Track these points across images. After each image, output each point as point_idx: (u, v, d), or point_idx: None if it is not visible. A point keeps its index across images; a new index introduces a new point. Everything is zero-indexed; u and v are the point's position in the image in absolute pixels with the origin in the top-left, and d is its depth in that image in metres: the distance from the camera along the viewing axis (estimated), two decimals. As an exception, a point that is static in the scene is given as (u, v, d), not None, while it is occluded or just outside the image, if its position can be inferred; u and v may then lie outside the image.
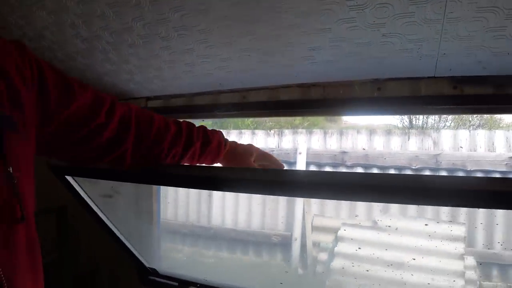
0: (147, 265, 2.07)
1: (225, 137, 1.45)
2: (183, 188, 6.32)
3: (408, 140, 5.19)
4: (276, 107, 1.40)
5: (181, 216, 6.38)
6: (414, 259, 4.84)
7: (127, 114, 1.18)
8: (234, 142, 1.45)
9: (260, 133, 5.80)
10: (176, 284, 2.01)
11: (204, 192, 6.12)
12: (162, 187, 2.30)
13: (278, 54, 1.21)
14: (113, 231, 1.88)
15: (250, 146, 1.44)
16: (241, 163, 1.38)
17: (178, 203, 6.38)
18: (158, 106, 1.76)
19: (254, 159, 1.41)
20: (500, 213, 4.83)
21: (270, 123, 7.45)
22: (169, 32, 1.22)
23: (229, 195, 5.95)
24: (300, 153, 5.40)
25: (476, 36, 1.04)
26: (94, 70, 1.54)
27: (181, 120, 1.36)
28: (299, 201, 5.41)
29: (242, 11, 1.06)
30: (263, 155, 1.45)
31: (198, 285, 1.95)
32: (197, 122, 1.46)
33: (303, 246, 5.43)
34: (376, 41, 1.05)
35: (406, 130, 6.68)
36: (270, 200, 5.75)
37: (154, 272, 2.09)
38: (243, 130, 6.01)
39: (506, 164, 4.76)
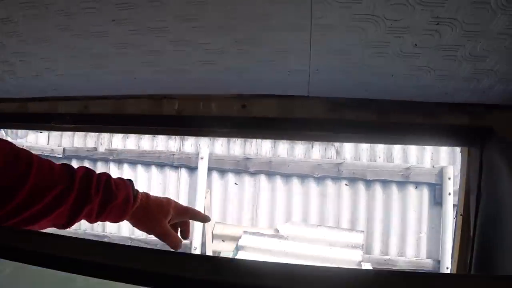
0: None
1: (135, 188, 1.08)
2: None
3: (312, 148, 5.14)
4: (122, 122, 1.10)
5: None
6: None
7: None
8: (145, 196, 1.10)
9: (160, 136, 5.43)
10: None
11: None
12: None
13: (112, 56, 0.92)
14: None
15: (167, 201, 1.10)
16: (153, 223, 1.08)
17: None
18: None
19: (171, 217, 1.10)
20: (395, 221, 4.95)
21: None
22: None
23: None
24: (202, 158, 5.12)
25: (354, 51, 0.83)
26: None
27: (78, 167, 0.99)
28: (200, 207, 5.14)
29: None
30: (184, 211, 1.12)
31: None
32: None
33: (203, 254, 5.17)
34: (228, 49, 0.81)
35: (310, 137, 6.71)
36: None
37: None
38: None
39: (402, 174, 4.89)
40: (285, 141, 5.01)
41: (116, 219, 1.06)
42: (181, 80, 0.97)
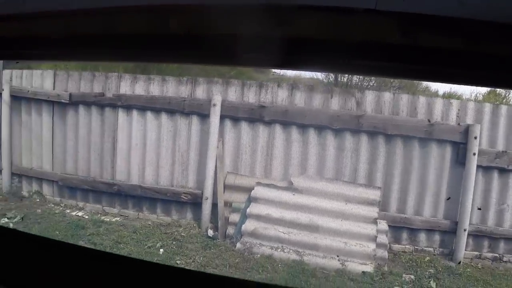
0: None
1: None
2: (81, 137, 5.60)
3: (331, 98, 4.84)
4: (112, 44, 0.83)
5: (81, 170, 5.67)
6: (330, 222, 4.62)
7: None
8: None
9: (171, 80, 5.16)
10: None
11: (107, 142, 5.44)
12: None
13: None
14: None
15: None
16: None
17: (79, 155, 5.65)
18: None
19: None
20: (414, 179, 4.72)
21: (195, 70, 6.75)
22: None
23: (135, 147, 5.34)
24: (214, 105, 4.86)
25: None
26: None
27: None
28: (212, 156, 4.94)
29: None
30: None
31: None
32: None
33: (214, 205, 5.03)
34: None
35: (329, 87, 6.36)
36: (180, 153, 5.22)
37: None
38: (151, 76, 5.33)
39: (425, 130, 4.60)
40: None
41: None
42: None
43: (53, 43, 0.83)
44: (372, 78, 8.29)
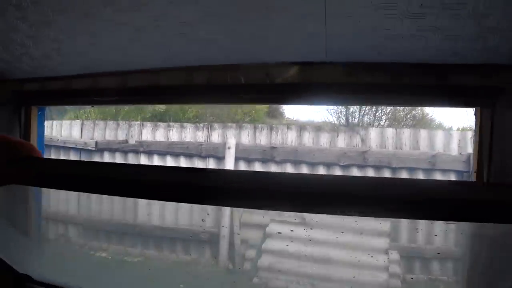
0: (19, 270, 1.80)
1: None
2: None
3: (337, 136, 5.18)
4: (157, 93, 1.21)
5: (105, 212, 6.02)
6: (342, 254, 4.84)
7: None
8: None
9: (189, 127, 5.57)
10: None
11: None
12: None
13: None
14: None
15: None
16: None
17: (103, 199, 6.01)
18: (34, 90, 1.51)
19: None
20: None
21: (211, 117, 7.22)
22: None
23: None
24: (229, 148, 5.24)
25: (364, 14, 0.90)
26: None
27: None
28: (228, 197, 5.26)
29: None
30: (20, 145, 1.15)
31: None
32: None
33: (231, 243, 5.29)
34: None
35: (335, 127, 6.72)
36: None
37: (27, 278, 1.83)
38: (171, 123, 5.76)
39: (428, 161, 4.88)
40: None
41: None
42: (211, 51, 1.06)
43: (114, 93, 1.21)
44: (381, 117, 8.66)
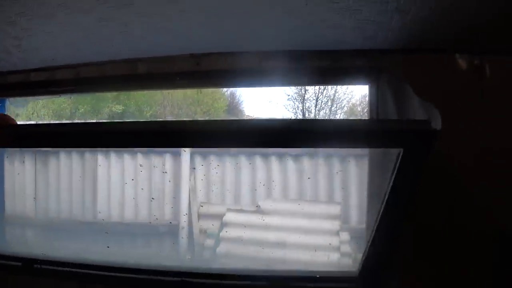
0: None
1: None
2: (63, 181, 6.02)
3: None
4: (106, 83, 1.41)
5: (64, 211, 6.07)
6: (297, 237, 5.13)
7: None
8: None
9: (144, 123, 5.70)
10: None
11: (87, 186, 5.88)
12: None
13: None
14: None
15: None
16: None
17: (61, 199, 6.05)
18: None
19: None
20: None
21: (169, 117, 7.32)
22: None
23: (114, 186, 5.80)
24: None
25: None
26: None
27: None
28: (185, 190, 5.44)
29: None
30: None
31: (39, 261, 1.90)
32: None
33: (190, 234, 5.48)
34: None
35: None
36: (156, 189, 5.71)
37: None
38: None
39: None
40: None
41: None
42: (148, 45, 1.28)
43: (68, 84, 1.40)
44: (337, 112, 9.06)
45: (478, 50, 1.35)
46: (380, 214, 1.18)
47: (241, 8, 1.10)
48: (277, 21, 1.16)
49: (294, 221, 5.23)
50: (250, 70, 1.28)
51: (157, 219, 5.73)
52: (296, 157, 5.41)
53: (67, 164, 5.92)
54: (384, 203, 1.13)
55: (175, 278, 1.52)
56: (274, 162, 5.46)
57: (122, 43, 1.32)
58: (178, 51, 1.33)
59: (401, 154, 1.03)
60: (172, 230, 5.62)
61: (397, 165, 1.04)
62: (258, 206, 5.35)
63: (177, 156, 5.54)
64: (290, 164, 5.44)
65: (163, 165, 5.67)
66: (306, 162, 5.43)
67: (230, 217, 5.31)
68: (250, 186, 5.53)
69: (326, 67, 1.30)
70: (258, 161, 5.48)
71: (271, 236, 5.19)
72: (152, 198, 5.75)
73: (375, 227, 1.21)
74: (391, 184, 1.09)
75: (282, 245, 5.14)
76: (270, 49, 1.30)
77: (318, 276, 1.45)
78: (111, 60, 1.39)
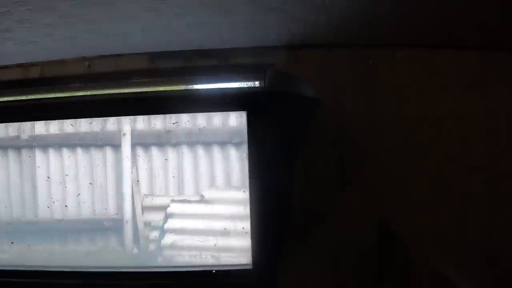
0: None
1: None
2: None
3: (229, 116, 5.51)
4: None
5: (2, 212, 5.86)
6: (243, 228, 5.22)
7: None
8: None
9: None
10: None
11: (26, 183, 5.71)
12: None
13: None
14: None
15: None
16: None
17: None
18: None
19: None
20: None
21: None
22: None
23: (55, 184, 5.66)
24: (124, 134, 5.35)
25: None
26: None
27: None
28: (127, 183, 5.39)
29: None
30: None
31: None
32: None
33: (135, 227, 5.45)
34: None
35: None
36: (99, 184, 5.62)
37: None
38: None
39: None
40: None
41: None
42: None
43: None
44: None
45: (365, 44, 1.44)
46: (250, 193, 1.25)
47: (119, 11, 1.12)
48: (162, 22, 1.19)
49: (237, 209, 5.30)
50: (137, 71, 1.31)
51: (103, 214, 5.65)
52: (239, 145, 5.47)
53: (2, 164, 5.71)
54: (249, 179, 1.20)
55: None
56: (216, 151, 5.49)
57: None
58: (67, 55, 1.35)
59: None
60: (116, 224, 5.56)
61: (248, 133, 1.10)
62: (202, 196, 5.39)
63: (118, 148, 5.46)
64: (233, 152, 5.50)
65: (104, 158, 5.58)
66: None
67: (174, 208, 5.32)
68: (193, 176, 5.54)
69: (215, 66, 1.35)
70: (200, 151, 5.50)
71: (216, 224, 5.24)
72: (91, 193, 5.66)
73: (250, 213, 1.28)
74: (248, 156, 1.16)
75: (225, 233, 5.21)
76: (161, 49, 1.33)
77: (214, 271, 1.52)
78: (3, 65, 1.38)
